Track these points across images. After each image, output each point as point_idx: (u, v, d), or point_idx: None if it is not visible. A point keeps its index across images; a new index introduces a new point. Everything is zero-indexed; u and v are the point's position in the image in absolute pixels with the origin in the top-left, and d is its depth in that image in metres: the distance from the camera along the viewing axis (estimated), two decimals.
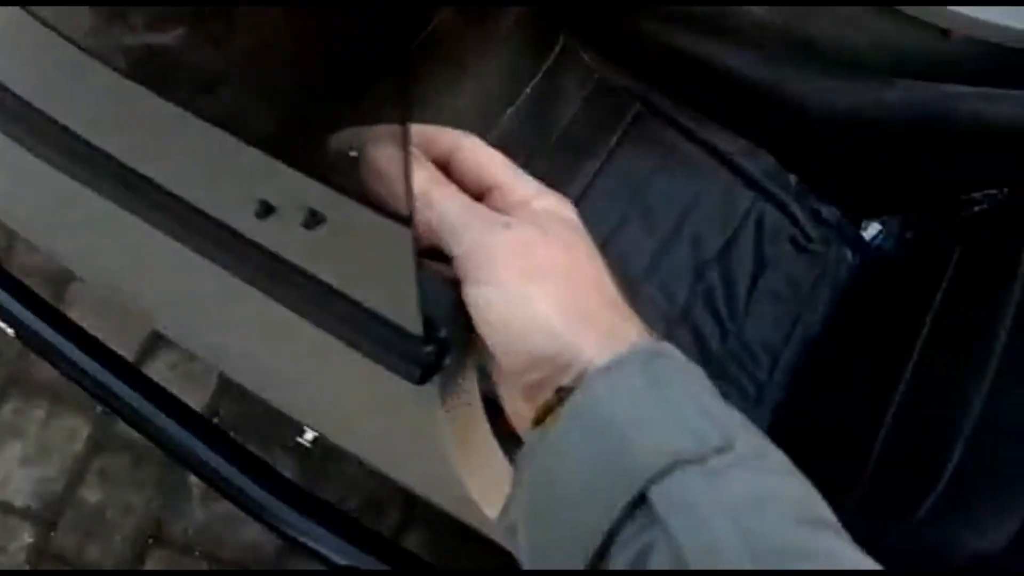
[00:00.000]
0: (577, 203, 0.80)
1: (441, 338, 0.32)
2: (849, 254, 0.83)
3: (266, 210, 0.31)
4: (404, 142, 0.28)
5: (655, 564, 0.26)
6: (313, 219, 0.29)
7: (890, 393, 0.69)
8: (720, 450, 0.27)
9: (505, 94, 0.83)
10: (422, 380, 0.34)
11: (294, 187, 0.29)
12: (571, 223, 0.34)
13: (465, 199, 0.32)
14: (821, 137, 0.84)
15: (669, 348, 0.31)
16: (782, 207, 0.84)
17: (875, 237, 0.86)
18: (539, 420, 0.31)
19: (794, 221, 0.84)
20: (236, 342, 0.57)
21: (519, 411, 0.33)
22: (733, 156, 0.86)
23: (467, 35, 0.83)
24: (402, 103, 0.27)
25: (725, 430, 0.28)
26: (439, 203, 0.31)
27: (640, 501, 0.27)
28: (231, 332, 0.55)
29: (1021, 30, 0.76)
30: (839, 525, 0.28)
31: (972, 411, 0.63)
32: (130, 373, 0.73)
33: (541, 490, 0.30)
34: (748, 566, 0.25)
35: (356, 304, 0.34)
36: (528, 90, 0.84)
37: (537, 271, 0.31)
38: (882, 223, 0.89)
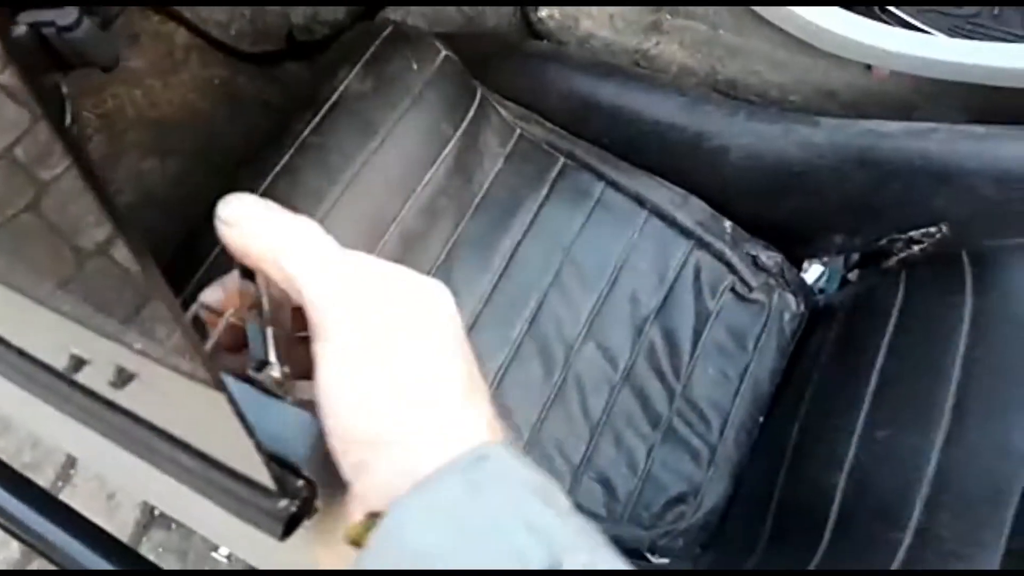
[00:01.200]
0: (507, 265, 0.76)
1: (298, 488, 0.27)
2: (792, 301, 0.80)
3: (76, 366, 0.26)
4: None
5: None
6: (120, 377, 0.24)
7: (844, 449, 0.65)
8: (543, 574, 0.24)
9: (424, 156, 0.79)
10: (284, 535, 0.28)
11: (99, 345, 0.24)
12: (434, 303, 0.31)
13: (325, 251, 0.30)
14: (751, 181, 0.81)
15: (497, 450, 0.27)
16: (719, 256, 0.81)
17: (818, 279, 0.83)
18: (355, 542, 0.27)
19: (732, 269, 0.80)
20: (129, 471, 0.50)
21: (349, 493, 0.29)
22: (664, 206, 0.82)
23: (378, 99, 0.78)
24: None
25: (552, 546, 0.25)
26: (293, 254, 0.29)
27: None
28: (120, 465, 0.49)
29: (944, 61, 0.75)
30: None
31: (929, 468, 0.59)
32: None
33: None
34: None
35: (200, 455, 0.28)
36: (448, 150, 0.80)
37: (381, 340, 0.29)
38: (824, 264, 0.86)
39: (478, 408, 0.30)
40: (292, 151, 0.75)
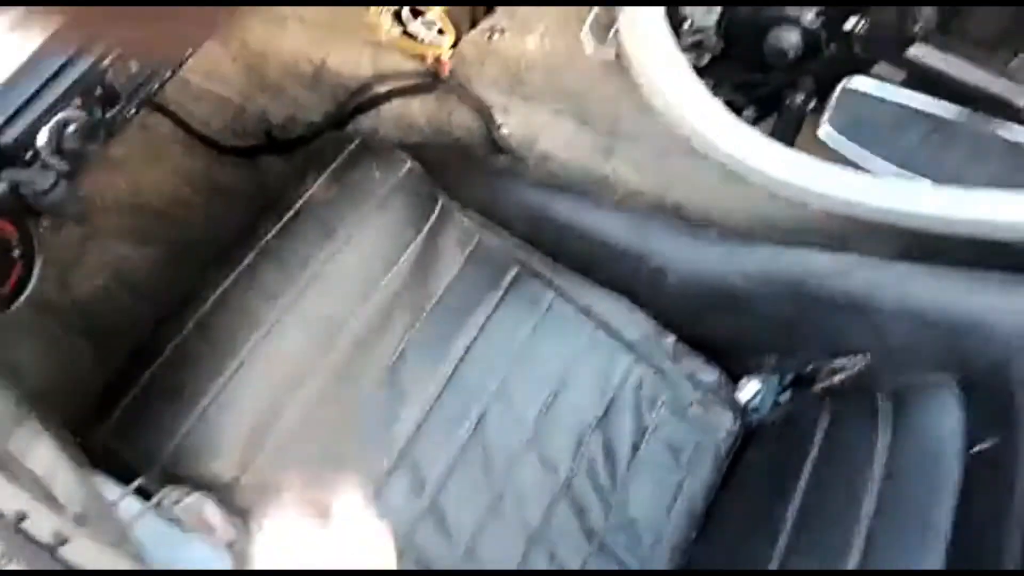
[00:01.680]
0: (455, 369, 0.79)
1: None
2: (728, 418, 0.83)
3: None
4: None
5: None
6: None
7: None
8: None
9: (383, 260, 0.83)
10: None
11: None
12: None
13: None
14: (691, 300, 0.85)
15: None
16: (659, 370, 0.84)
17: (754, 396, 0.86)
18: None
19: (671, 384, 0.83)
20: None
21: None
22: (610, 319, 0.86)
23: (341, 206, 0.83)
24: None
25: None
26: None
27: None
28: None
29: (872, 206, 0.80)
30: None
31: None
32: None
33: None
34: None
35: None
36: (407, 255, 0.84)
37: None
38: (761, 380, 0.89)
39: None
40: (255, 252, 0.79)
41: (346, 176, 0.84)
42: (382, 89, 0.96)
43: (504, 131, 0.97)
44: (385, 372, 0.80)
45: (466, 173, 0.95)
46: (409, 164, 0.86)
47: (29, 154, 0.42)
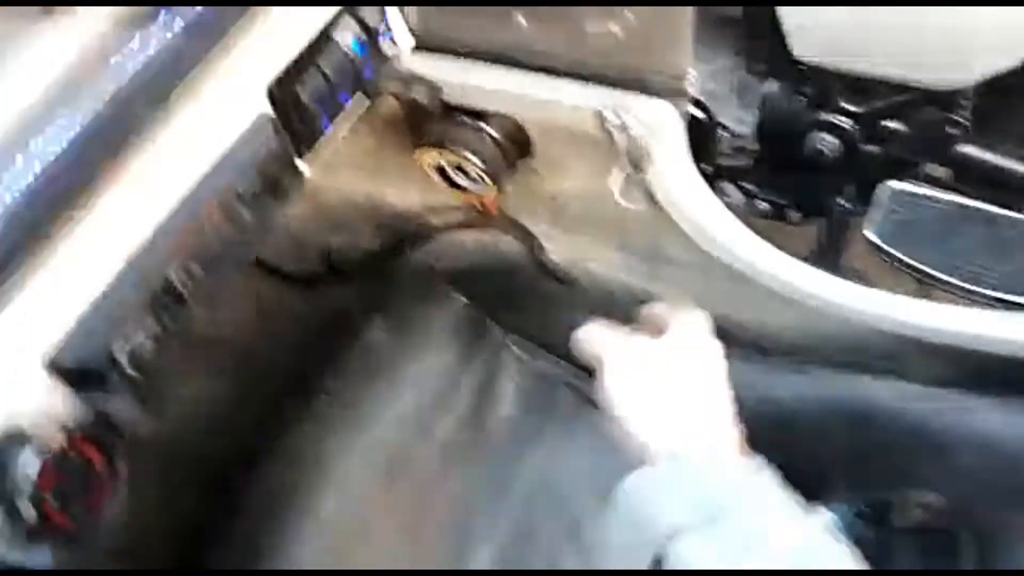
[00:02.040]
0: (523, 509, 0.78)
1: None
2: None
3: None
4: None
5: None
6: None
7: None
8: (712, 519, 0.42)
9: (441, 400, 0.85)
10: None
11: None
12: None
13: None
14: (748, 423, 0.84)
15: (692, 459, 0.48)
16: None
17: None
18: None
19: None
20: None
21: None
22: None
23: (395, 346, 0.86)
24: None
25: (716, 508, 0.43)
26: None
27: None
28: None
29: (920, 326, 0.79)
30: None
31: None
32: None
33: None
34: None
35: None
36: (462, 393, 0.86)
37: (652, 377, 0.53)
38: (832, 510, 0.87)
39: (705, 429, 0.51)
40: (312, 398, 0.83)
41: (400, 317, 0.87)
42: (434, 222, 1.00)
43: (550, 256, 1.00)
44: (449, 517, 0.80)
45: (517, 301, 0.97)
46: (462, 302, 0.89)
47: (108, 374, 0.47)
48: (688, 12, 0.62)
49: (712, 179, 1.30)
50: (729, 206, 1.35)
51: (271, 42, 0.56)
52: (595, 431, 0.88)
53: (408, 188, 0.99)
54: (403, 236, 1.05)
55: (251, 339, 1.17)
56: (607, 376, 0.55)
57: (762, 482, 0.48)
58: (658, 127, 0.66)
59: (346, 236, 1.12)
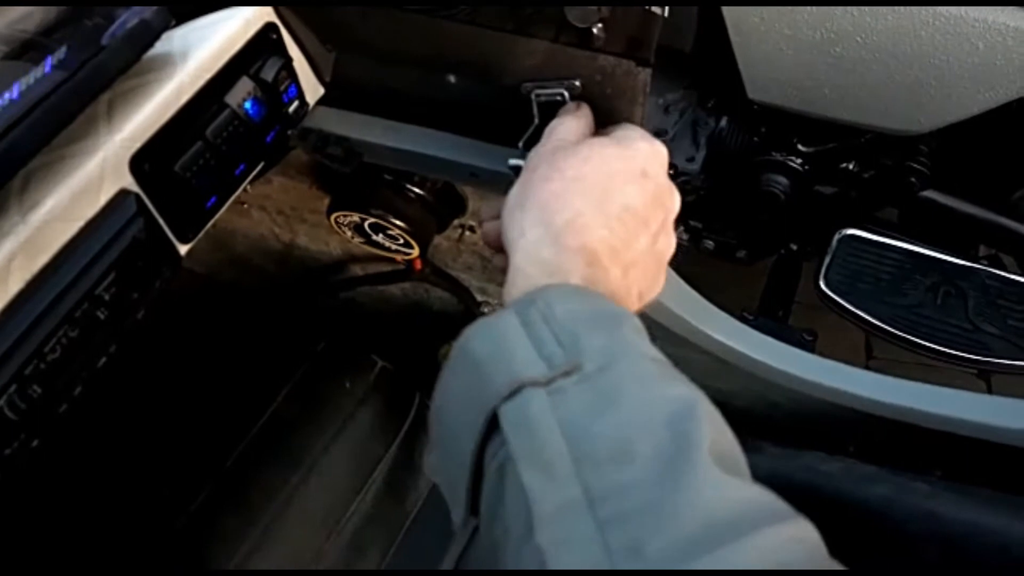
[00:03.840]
0: None
1: None
2: None
3: None
4: None
5: (509, 476, 0.29)
6: None
7: None
8: (567, 372, 0.31)
9: (352, 484, 0.76)
10: None
11: None
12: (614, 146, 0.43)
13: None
14: None
15: (551, 291, 0.35)
16: None
17: None
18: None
19: None
20: None
21: None
22: None
23: (307, 422, 0.76)
24: None
25: (575, 354, 0.32)
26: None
27: (495, 424, 0.30)
28: None
29: (867, 398, 0.74)
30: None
31: None
32: None
33: (435, 421, 0.35)
34: (572, 470, 0.28)
35: None
36: (378, 472, 0.77)
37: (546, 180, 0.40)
38: None
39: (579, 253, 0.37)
40: (212, 486, 0.72)
41: (311, 388, 0.77)
42: (356, 272, 0.91)
43: (485, 310, 0.91)
44: None
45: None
46: (380, 365, 0.80)
47: None
48: (643, 75, 0.54)
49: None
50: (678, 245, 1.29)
51: (144, 102, 0.46)
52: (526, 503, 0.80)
53: (327, 235, 0.89)
54: (321, 285, 0.95)
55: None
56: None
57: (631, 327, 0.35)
58: None
59: (259, 281, 1.01)
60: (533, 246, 0.38)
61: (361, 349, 0.81)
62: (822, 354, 0.80)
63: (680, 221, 1.26)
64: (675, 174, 1.22)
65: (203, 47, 0.48)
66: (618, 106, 0.55)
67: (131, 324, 0.48)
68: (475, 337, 0.33)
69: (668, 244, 0.44)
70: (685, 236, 1.29)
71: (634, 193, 0.40)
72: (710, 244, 1.30)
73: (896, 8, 0.76)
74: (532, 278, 0.37)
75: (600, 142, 0.43)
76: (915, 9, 0.73)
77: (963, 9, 0.71)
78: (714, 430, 0.31)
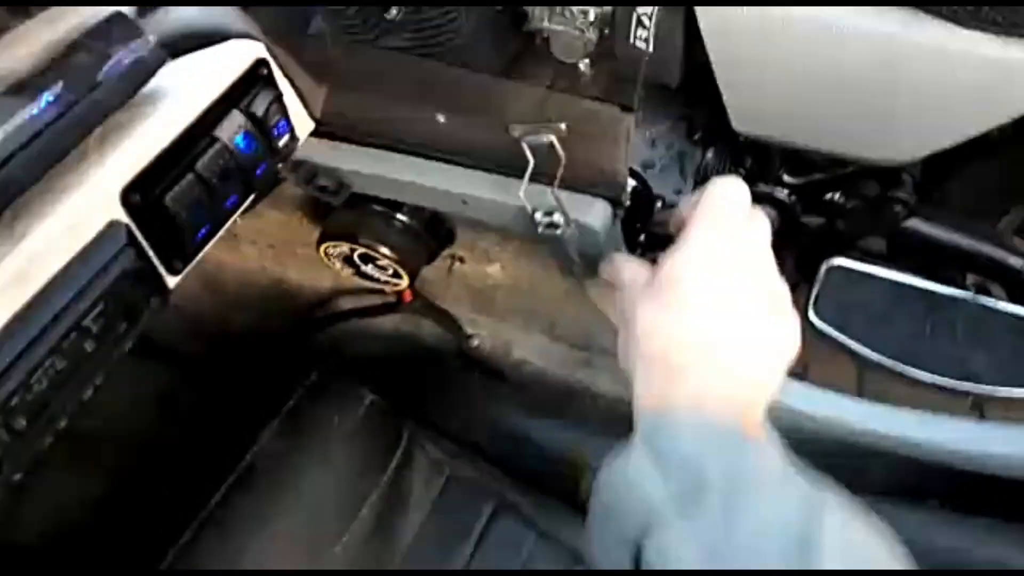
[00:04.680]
0: None
1: None
2: None
3: None
4: None
5: None
6: None
7: None
8: (695, 500, 0.34)
9: (339, 521, 0.75)
10: None
11: None
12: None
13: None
14: None
15: (679, 415, 0.37)
16: None
17: None
18: None
19: None
20: None
21: None
22: None
23: (293, 458, 0.75)
24: None
25: (700, 484, 0.34)
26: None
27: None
28: None
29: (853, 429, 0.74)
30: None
31: None
32: None
33: (589, 550, 0.38)
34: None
35: None
36: (366, 509, 0.76)
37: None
38: None
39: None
40: (197, 524, 0.71)
41: (298, 423, 0.77)
42: (345, 306, 0.91)
43: (475, 342, 0.91)
44: None
45: (437, 395, 0.88)
46: (370, 399, 0.80)
47: None
48: (626, 120, 0.55)
49: (647, 249, 1.25)
50: None
51: (136, 136, 0.46)
52: (512, 553, 0.79)
53: (317, 268, 0.89)
54: (311, 319, 0.95)
55: (134, 430, 1.05)
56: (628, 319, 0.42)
57: (755, 451, 0.36)
58: (590, 226, 0.59)
59: (249, 317, 1.01)
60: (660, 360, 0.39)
61: (350, 382, 0.80)
62: (813, 385, 0.80)
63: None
64: (663, 205, 1.23)
65: (195, 82, 0.49)
66: (602, 148, 0.56)
67: (119, 356, 0.48)
68: (608, 485, 0.37)
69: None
70: None
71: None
72: None
73: (877, 40, 0.78)
74: (657, 387, 0.39)
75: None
76: (896, 41, 0.74)
77: (943, 40, 0.73)
78: (840, 525, 0.34)
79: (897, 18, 0.74)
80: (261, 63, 0.54)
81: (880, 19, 0.74)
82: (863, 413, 0.79)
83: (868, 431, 0.76)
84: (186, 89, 0.49)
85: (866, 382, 1.08)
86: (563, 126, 0.55)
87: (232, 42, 0.52)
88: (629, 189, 0.96)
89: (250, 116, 0.53)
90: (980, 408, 1.21)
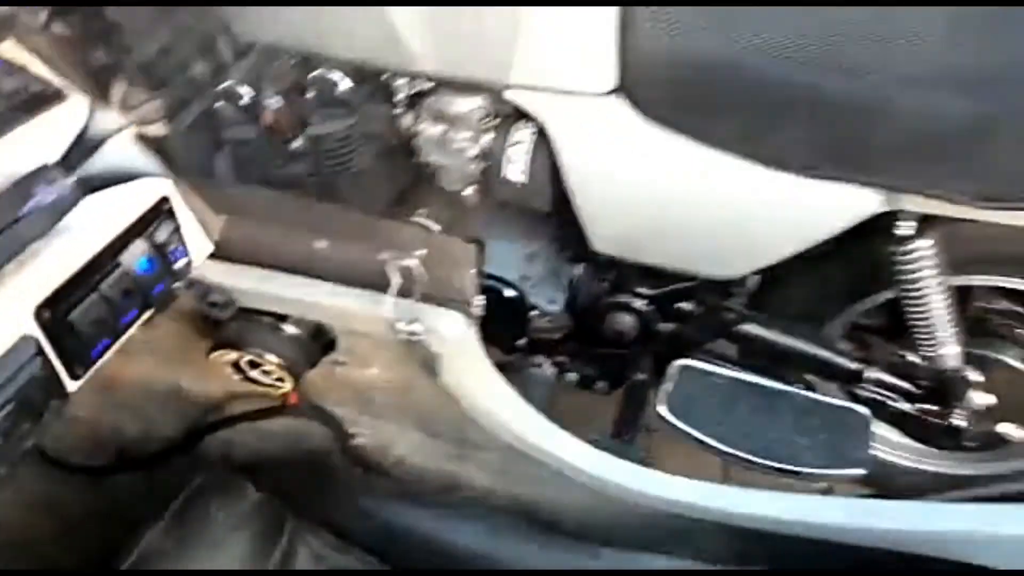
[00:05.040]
0: None
1: None
2: None
3: None
4: None
5: None
6: None
7: None
8: None
9: None
10: None
11: None
12: None
13: None
14: None
15: None
16: None
17: None
18: None
19: None
20: None
21: None
22: None
23: (178, 554, 0.80)
24: None
25: None
26: None
27: None
28: None
29: (696, 507, 0.85)
30: None
31: None
32: None
33: None
34: None
35: None
36: None
37: None
38: None
39: None
40: None
41: (184, 520, 0.82)
42: (236, 410, 0.97)
43: (358, 441, 0.99)
44: None
45: (320, 491, 0.95)
46: (255, 495, 0.86)
47: None
48: (472, 249, 0.68)
49: (527, 353, 1.38)
50: (541, 377, 1.42)
51: (50, 262, 0.55)
52: None
53: (208, 376, 0.97)
54: (202, 425, 1.01)
55: (26, 537, 1.05)
56: None
57: None
58: (450, 335, 0.70)
59: (142, 425, 1.06)
60: None
61: (236, 480, 0.86)
62: (678, 472, 0.90)
63: (546, 356, 1.39)
64: (540, 314, 1.38)
65: (105, 215, 0.59)
66: (454, 271, 0.69)
67: (20, 453, 0.55)
68: None
69: None
70: (553, 370, 1.42)
71: None
72: (573, 377, 1.44)
73: (706, 182, 0.97)
74: None
75: None
76: (727, 173, 0.92)
77: (756, 179, 0.91)
78: None
79: (721, 162, 0.92)
80: (165, 199, 0.64)
81: (705, 169, 0.93)
82: (700, 493, 0.89)
83: (702, 507, 0.86)
84: (97, 221, 0.59)
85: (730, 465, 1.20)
86: (423, 252, 0.67)
87: (142, 180, 0.62)
88: (499, 297, 1.10)
89: (152, 244, 0.62)
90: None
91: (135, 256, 0.60)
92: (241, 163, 0.92)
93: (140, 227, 0.62)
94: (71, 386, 0.58)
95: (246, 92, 0.90)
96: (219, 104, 0.87)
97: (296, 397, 0.90)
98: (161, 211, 0.64)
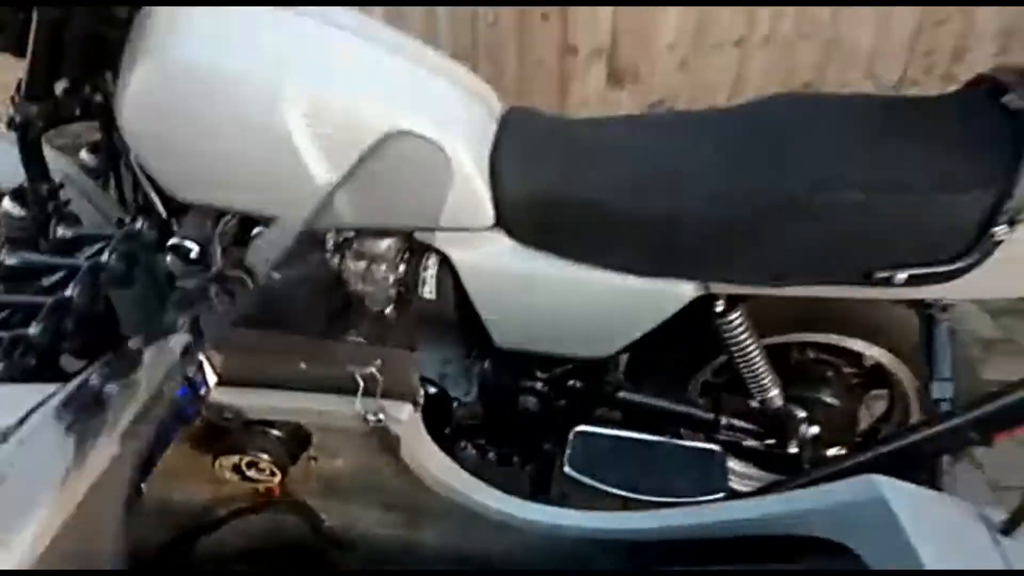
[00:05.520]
0: None
1: None
2: None
3: None
4: None
5: None
6: None
7: None
8: None
9: None
10: None
11: None
12: None
13: None
14: None
15: None
16: None
17: None
18: None
19: None
20: None
21: None
22: None
23: None
24: None
25: None
26: None
27: None
28: None
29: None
30: None
31: None
32: None
33: None
34: None
35: None
36: None
37: None
38: None
39: None
40: None
41: None
42: (223, 512, 1.18)
43: (328, 524, 1.21)
44: None
45: (297, 571, 1.16)
46: None
47: None
48: (412, 356, 0.96)
49: (453, 439, 1.64)
50: (469, 458, 1.69)
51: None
52: None
53: (200, 484, 1.17)
54: (193, 529, 1.20)
55: None
56: None
57: None
58: (405, 419, 0.97)
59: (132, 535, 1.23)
60: None
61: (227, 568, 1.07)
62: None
63: (467, 440, 1.66)
64: (458, 405, 1.66)
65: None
66: (401, 373, 0.96)
67: None
68: None
69: None
70: (475, 451, 1.70)
71: None
72: (492, 455, 1.72)
73: (571, 297, 1.32)
74: None
75: None
76: (586, 278, 1.26)
77: (613, 275, 1.24)
78: None
79: (580, 271, 1.25)
80: None
81: (569, 277, 1.26)
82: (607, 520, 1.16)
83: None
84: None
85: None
86: (379, 362, 0.94)
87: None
88: (425, 395, 1.37)
89: (185, 376, 0.87)
90: None
91: (175, 383, 0.84)
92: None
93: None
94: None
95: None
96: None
97: (278, 491, 1.13)
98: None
